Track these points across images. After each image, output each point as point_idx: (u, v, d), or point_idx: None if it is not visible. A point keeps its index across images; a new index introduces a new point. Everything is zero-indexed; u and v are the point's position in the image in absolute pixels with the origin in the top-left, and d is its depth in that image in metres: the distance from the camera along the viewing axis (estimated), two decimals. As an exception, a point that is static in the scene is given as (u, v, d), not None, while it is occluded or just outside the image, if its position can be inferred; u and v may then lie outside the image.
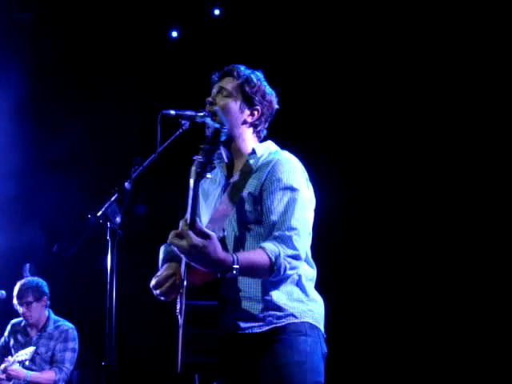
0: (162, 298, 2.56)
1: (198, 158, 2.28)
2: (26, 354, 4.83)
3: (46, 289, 5.18)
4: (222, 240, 2.46)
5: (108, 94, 5.89)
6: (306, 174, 2.61)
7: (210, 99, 2.64)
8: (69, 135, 5.86)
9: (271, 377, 2.42)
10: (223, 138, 2.43)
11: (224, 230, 2.52)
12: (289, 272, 2.40)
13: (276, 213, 2.44)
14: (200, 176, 2.27)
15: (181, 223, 2.28)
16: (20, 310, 5.08)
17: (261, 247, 2.37)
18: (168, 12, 6.04)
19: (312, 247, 2.59)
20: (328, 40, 5.45)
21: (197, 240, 2.21)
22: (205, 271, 2.34)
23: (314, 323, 2.52)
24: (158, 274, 2.58)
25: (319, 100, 5.44)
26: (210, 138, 2.31)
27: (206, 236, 2.23)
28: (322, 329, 2.58)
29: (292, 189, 2.48)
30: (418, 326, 5.06)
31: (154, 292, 2.56)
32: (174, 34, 6.25)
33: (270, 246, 2.36)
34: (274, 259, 2.33)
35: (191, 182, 2.28)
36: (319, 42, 5.47)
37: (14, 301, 5.09)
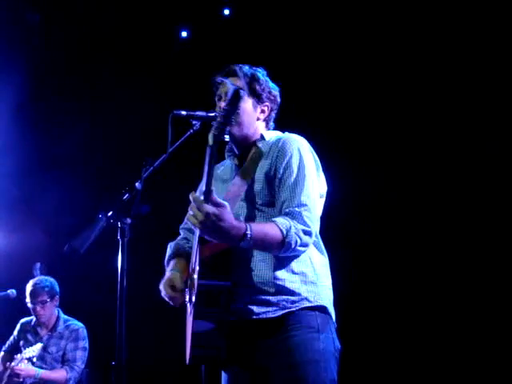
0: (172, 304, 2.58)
1: (217, 119, 2.33)
2: (33, 350, 4.83)
3: (58, 288, 5.21)
4: None
5: (117, 94, 5.90)
6: (315, 156, 2.62)
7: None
8: (77, 136, 5.87)
9: (285, 376, 2.41)
10: (241, 100, 2.42)
11: (234, 212, 2.50)
12: (299, 248, 2.42)
13: (286, 189, 2.47)
14: (218, 138, 2.32)
15: (191, 196, 2.25)
16: (33, 308, 5.09)
17: (272, 221, 2.39)
18: (178, 12, 6.06)
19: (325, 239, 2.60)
20: (339, 37, 5.44)
21: (212, 209, 2.22)
22: (217, 242, 2.33)
23: (326, 305, 2.51)
24: (166, 278, 2.58)
25: (330, 96, 5.42)
26: (230, 98, 2.35)
27: (219, 205, 2.24)
28: (333, 314, 2.56)
29: (302, 165, 2.51)
30: (429, 328, 5.04)
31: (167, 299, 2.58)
32: (184, 33, 6.27)
33: (282, 220, 2.39)
34: (285, 232, 2.35)
35: (208, 146, 2.32)
36: (330, 41, 5.46)
37: (27, 299, 5.10)
